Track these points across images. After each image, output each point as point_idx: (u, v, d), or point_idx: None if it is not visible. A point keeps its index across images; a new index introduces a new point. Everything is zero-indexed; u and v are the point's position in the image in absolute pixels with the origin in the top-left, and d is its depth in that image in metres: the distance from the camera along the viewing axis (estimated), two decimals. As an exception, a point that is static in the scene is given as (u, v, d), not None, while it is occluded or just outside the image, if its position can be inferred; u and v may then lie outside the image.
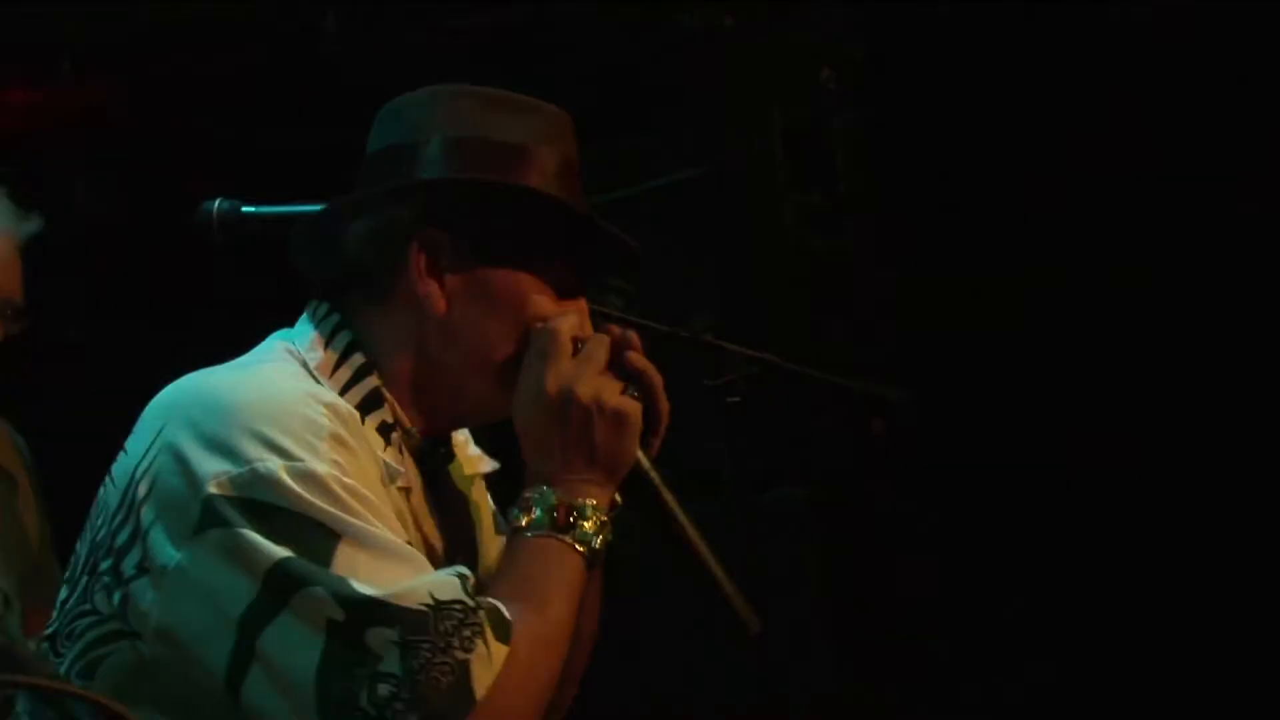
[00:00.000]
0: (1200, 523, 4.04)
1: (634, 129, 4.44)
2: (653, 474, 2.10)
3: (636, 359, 2.09)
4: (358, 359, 2.05)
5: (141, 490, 1.93)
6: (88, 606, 1.96)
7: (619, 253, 2.16)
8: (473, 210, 2.06)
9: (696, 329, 3.03)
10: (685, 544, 2.10)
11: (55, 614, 2.01)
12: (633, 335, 2.11)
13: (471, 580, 1.94)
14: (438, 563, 2.03)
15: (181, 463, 1.90)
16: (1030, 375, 4.22)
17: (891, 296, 4.36)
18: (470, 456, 2.26)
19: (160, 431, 1.94)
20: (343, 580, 1.86)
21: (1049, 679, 4.18)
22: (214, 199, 2.42)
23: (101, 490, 2.01)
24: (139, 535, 1.92)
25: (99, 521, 1.98)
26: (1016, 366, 4.21)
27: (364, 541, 1.89)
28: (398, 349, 2.06)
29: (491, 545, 2.24)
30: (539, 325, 2.06)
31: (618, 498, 2.10)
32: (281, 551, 1.86)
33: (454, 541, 2.14)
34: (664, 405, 2.10)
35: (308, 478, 1.88)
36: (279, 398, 1.94)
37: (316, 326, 2.08)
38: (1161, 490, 4.05)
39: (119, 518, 1.95)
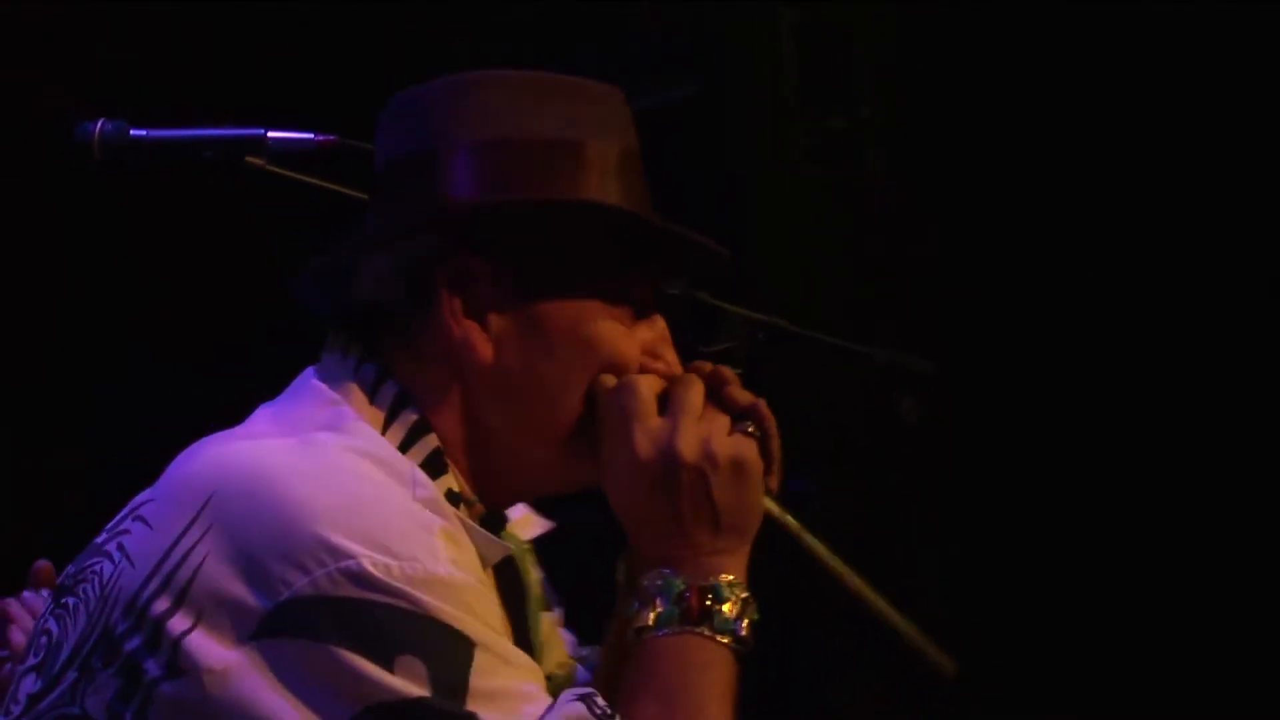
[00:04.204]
0: (1258, 517, 4.13)
1: (607, 36, 4.42)
2: (787, 519, 2.07)
3: (739, 394, 2.03)
4: (410, 416, 1.99)
5: (173, 591, 1.85)
6: (75, 710, 1.88)
7: (702, 256, 2.12)
8: (515, 231, 2.01)
9: (687, 285, 3.02)
10: (846, 590, 2.09)
11: (12, 704, 1.94)
12: (725, 370, 2.06)
13: (600, 700, 1.89)
14: None
15: (246, 570, 1.82)
16: (1091, 350, 4.26)
17: (930, 249, 4.35)
18: (516, 519, 2.20)
19: (202, 511, 1.87)
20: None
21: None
22: (95, 118, 2.42)
23: (105, 565, 1.93)
24: (163, 643, 1.84)
25: (102, 606, 1.90)
26: (1081, 340, 4.23)
27: (501, 654, 1.85)
28: (442, 406, 2.00)
29: (540, 624, 2.21)
30: (610, 382, 2.01)
31: None
32: (398, 684, 1.79)
33: (519, 625, 2.09)
34: (775, 438, 2.05)
35: (432, 583, 1.82)
36: (373, 491, 1.87)
37: (354, 375, 2.01)
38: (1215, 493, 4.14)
39: (133, 616, 1.86)
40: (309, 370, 2.05)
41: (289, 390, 2.05)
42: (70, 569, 1.98)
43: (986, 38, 4.31)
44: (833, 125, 4.40)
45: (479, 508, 2.03)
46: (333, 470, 1.88)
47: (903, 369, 3.21)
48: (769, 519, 2.05)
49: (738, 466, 1.98)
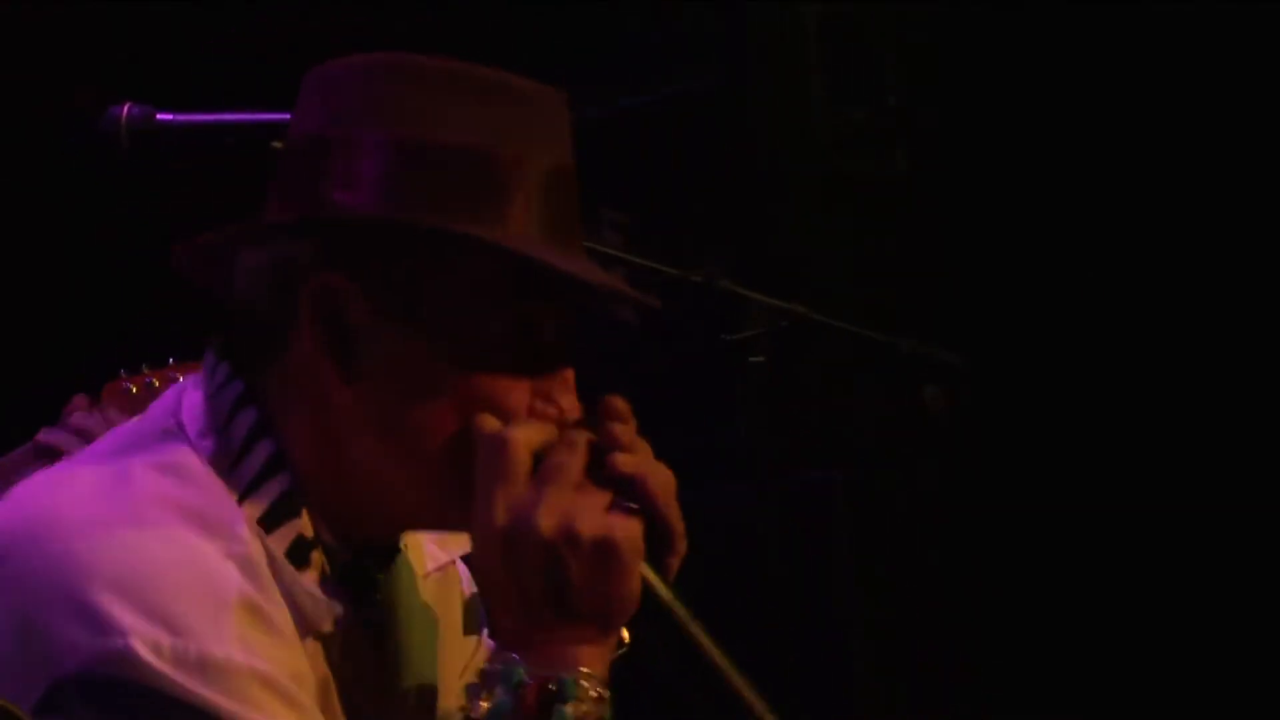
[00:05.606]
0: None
1: (630, 26, 4.43)
2: (675, 607, 1.83)
3: (625, 461, 1.79)
4: (265, 448, 1.81)
5: None
6: None
7: (628, 307, 1.92)
8: (388, 253, 1.79)
9: (712, 274, 3.04)
10: (723, 691, 1.85)
11: None
12: (620, 429, 1.81)
13: None
14: (375, 706, 1.87)
15: (25, 637, 1.70)
16: (1115, 344, 4.26)
17: (955, 241, 4.36)
18: (436, 538, 2.04)
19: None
20: None
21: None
22: (122, 103, 2.40)
23: None
24: None
25: None
26: (1101, 333, 4.24)
27: None
28: (303, 436, 1.82)
29: (456, 653, 2.02)
30: (486, 430, 1.79)
31: (625, 635, 1.85)
32: None
33: (400, 670, 1.93)
34: (674, 514, 1.81)
35: (205, 666, 1.68)
36: (168, 552, 1.72)
37: (216, 392, 1.83)
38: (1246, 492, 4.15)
39: None
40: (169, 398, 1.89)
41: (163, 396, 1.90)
42: None
43: (1013, 29, 4.32)
44: (857, 117, 4.41)
45: (343, 554, 1.85)
46: (130, 524, 1.73)
47: (927, 359, 3.22)
48: (651, 604, 1.81)
49: (604, 549, 1.75)
